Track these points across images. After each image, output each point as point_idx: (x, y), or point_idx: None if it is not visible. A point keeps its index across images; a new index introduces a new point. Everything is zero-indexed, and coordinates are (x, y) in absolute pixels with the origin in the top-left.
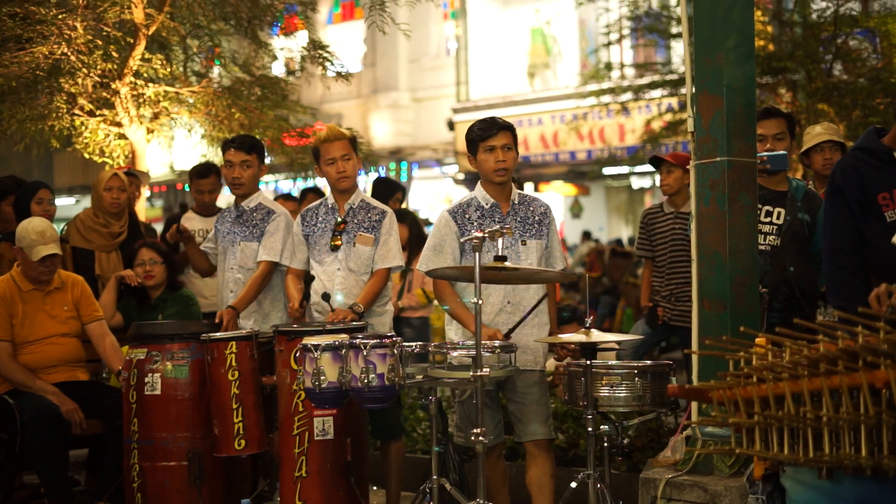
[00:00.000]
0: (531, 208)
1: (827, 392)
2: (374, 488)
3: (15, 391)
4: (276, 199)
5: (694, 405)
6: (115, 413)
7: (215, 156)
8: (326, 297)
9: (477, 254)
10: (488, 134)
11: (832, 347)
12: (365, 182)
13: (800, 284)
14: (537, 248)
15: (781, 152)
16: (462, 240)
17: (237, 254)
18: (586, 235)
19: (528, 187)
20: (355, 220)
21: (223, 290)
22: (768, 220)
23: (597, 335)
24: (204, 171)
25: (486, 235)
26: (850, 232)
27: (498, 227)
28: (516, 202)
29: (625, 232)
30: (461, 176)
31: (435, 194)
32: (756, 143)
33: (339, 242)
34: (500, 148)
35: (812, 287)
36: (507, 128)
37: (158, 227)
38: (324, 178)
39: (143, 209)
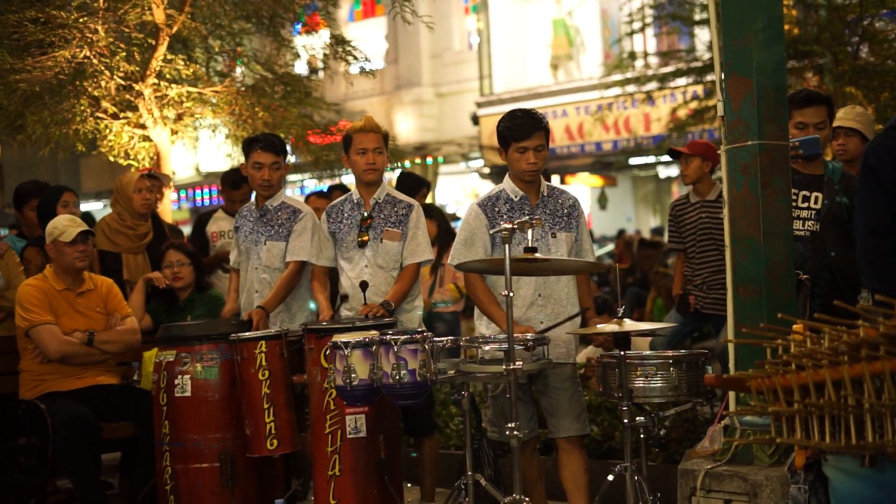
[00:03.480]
0: (560, 201)
1: (868, 378)
2: (409, 485)
3: (46, 396)
4: (309, 196)
5: (732, 394)
6: (146, 416)
7: (241, 155)
8: (364, 285)
9: (507, 246)
10: (523, 136)
11: (872, 332)
12: (390, 178)
13: (841, 269)
14: (567, 240)
15: (814, 136)
16: (491, 232)
17: (262, 254)
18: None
19: (555, 180)
20: (382, 215)
21: (248, 290)
22: (806, 205)
23: (629, 324)
24: (237, 183)
25: (516, 227)
26: (883, 212)
27: (527, 218)
28: (545, 194)
29: (652, 222)
30: (487, 170)
31: (461, 189)
32: (788, 125)
33: (366, 238)
34: (533, 149)
35: (853, 272)
36: (543, 128)
37: (186, 230)
38: (349, 175)
39: (168, 211)
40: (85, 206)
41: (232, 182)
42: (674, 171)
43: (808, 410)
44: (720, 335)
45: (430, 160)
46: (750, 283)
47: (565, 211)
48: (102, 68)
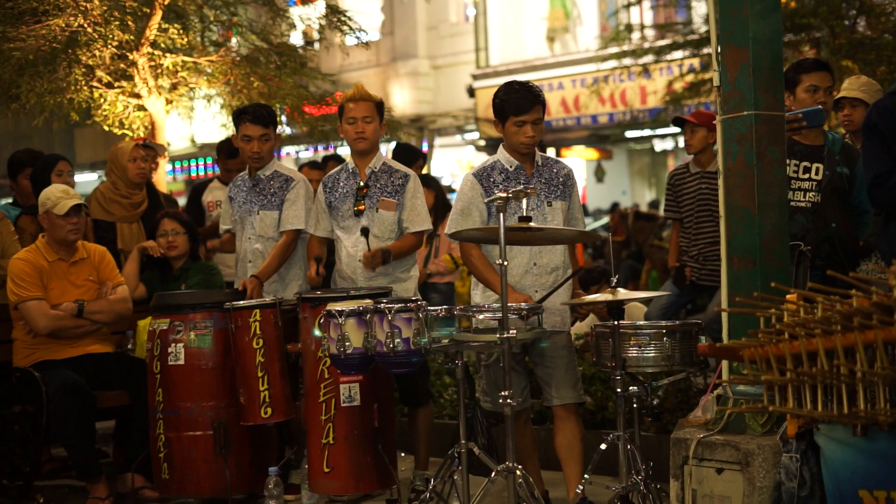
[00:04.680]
0: (554, 170)
1: (861, 347)
2: (403, 454)
3: (41, 364)
4: (301, 167)
5: (725, 364)
6: (140, 384)
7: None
8: (365, 231)
9: (501, 214)
10: (521, 110)
11: (865, 302)
12: (386, 150)
13: (842, 241)
14: (562, 209)
15: (817, 107)
16: (486, 200)
17: (255, 223)
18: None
19: (550, 152)
20: (378, 185)
21: (242, 260)
22: (807, 176)
23: (623, 294)
24: (233, 152)
25: (511, 195)
26: (888, 162)
27: (522, 187)
28: (540, 164)
29: (648, 195)
30: (482, 142)
31: (456, 161)
32: (783, 95)
33: (362, 207)
34: (531, 123)
35: (853, 244)
36: (541, 102)
37: (182, 201)
38: (345, 146)
39: (163, 181)
40: (79, 178)
41: (228, 151)
42: (669, 144)
43: (801, 379)
44: (710, 305)
45: (425, 141)
46: (744, 253)
47: (560, 180)
48: (97, 37)
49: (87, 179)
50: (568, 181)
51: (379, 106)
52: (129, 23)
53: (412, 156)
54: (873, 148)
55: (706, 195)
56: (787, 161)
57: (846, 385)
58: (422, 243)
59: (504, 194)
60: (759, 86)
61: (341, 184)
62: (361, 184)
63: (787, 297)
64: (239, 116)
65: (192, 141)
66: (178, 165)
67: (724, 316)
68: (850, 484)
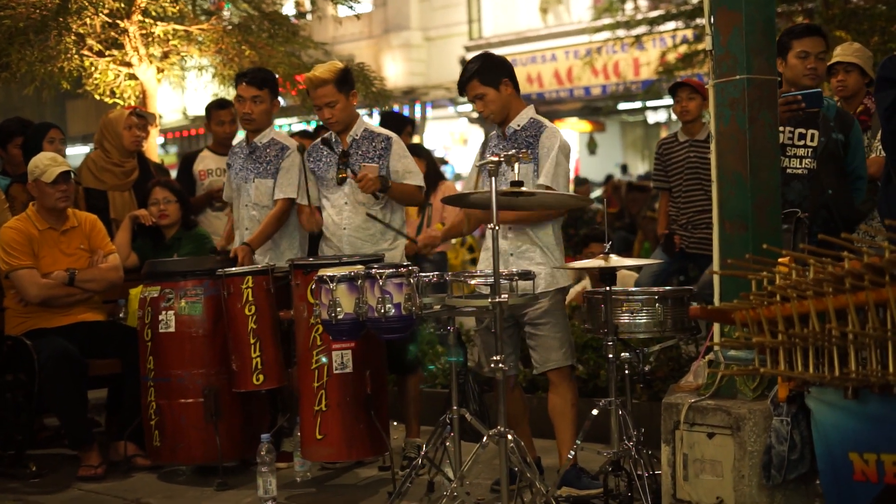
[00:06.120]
0: (526, 133)
1: (853, 309)
2: (395, 423)
3: (33, 332)
4: (292, 135)
5: (716, 328)
6: (132, 352)
7: (227, 95)
8: (345, 154)
9: (493, 178)
10: (461, 91)
11: (857, 264)
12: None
13: (839, 207)
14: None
15: (817, 90)
16: (478, 164)
17: (251, 191)
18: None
19: None
20: (359, 152)
21: (238, 227)
22: (802, 142)
23: (615, 260)
24: (222, 103)
25: (503, 159)
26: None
27: (514, 151)
28: (518, 129)
29: (641, 168)
30: (475, 114)
31: (449, 134)
32: (776, 59)
33: (344, 175)
34: (474, 100)
35: (850, 210)
36: (471, 79)
37: (174, 174)
38: None
39: (154, 150)
40: (71, 150)
41: (217, 104)
42: (662, 116)
43: (792, 342)
44: (704, 273)
45: (418, 105)
46: (736, 218)
47: (528, 142)
48: (87, 5)
49: (78, 152)
50: (534, 142)
51: (339, 81)
52: None
53: (400, 123)
54: (885, 94)
55: (695, 163)
56: (782, 128)
57: (837, 347)
58: (421, 198)
59: (495, 158)
60: (752, 49)
61: (325, 152)
62: (342, 150)
63: (780, 259)
64: (237, 78)
65: (185, 113)
66: (170, 133)
67: (716, 279)
68: (841, 447)
